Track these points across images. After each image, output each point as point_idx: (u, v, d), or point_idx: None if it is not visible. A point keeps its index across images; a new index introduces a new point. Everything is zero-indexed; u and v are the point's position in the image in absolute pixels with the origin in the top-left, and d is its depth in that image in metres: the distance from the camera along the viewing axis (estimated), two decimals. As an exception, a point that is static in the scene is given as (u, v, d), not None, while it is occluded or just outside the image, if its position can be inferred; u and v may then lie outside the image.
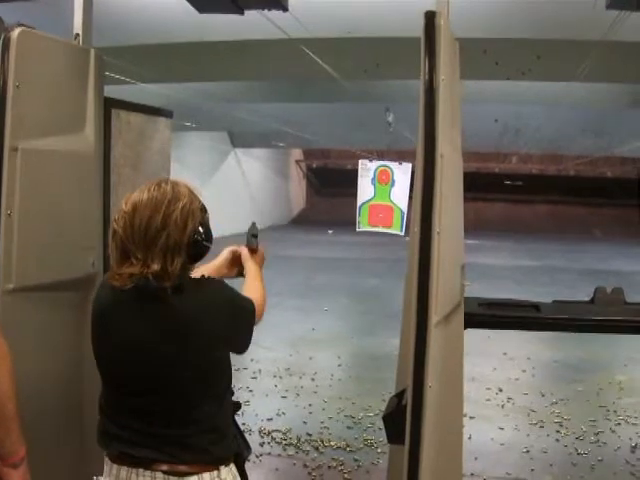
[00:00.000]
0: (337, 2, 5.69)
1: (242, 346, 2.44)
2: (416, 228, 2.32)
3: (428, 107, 2.33)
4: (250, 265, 2.85)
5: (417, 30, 2.38)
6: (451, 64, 2.56)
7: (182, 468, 2.27)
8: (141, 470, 2.27)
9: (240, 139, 24.87)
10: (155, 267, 2.19)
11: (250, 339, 2.44)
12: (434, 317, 2.32)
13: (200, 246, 2.30)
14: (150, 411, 2.28)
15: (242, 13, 3.16)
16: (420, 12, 2.40)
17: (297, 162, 34.38)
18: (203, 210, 2.35)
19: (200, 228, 2.30)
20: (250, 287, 2.71)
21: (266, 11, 3.24)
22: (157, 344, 2.25)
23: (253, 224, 3.01)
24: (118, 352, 2.29)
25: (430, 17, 2.36)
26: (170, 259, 2.21)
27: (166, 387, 2.27)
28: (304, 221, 32.63)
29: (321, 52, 6.98)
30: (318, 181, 35.42)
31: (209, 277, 2.44)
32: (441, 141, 2.32)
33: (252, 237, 2.93)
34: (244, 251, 2.90)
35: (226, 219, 21.90)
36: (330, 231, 26.85)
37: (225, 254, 2.94)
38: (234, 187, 25.31)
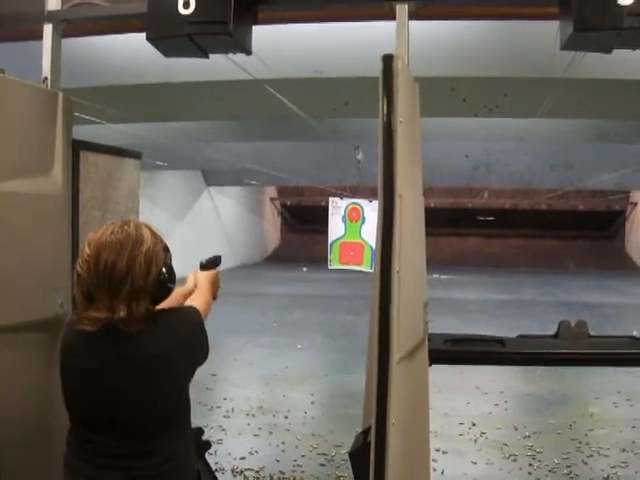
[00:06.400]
0: (302, 44, 5.78)
1: (204, 357, 2.47)
2: (376, 267, 2.37)
3: (387, 148, 2.38)
4: (201, 278, 2.94)
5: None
6: (410, 105, 2.61)
7: None
8: None
9: (214, 178, 24.86)
10: (121, 313, 2.22)
11: (207, 344, 2.48)
12: (396, 355, 2.35)
13: (164, 287, 2.34)
14: (111, 448, 2.30)
15: (207, 56, 3.21)
16: (385, 52, 2.45)
17: (271, 200, 34.42)
18: (166, 250, 2.36)
19: (164, 269, 2.32)
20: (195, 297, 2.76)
21: (231, 54, 3.31)
22: (121, 384, 2.27)
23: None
24: (84, 391, 2.32)
25: (388, 60, 2.42)
26: (135, 304, 2.24)
27: (128, 425, 2.30)
28: (279, 258, 32.58)
29: (289, 92, 7.04)
30: (292, 218, 35.45)
31: (168, 310, 2.43)
32: (400, 181, 2.37)
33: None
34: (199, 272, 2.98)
35: (200, 258, 21.91)
36: (304, 269, 26.83)
37: (191, 278, 3.01)
38: (208, 225, 25.27)
